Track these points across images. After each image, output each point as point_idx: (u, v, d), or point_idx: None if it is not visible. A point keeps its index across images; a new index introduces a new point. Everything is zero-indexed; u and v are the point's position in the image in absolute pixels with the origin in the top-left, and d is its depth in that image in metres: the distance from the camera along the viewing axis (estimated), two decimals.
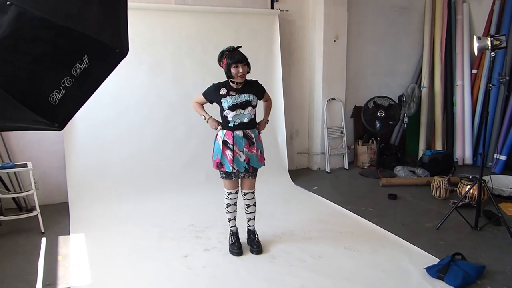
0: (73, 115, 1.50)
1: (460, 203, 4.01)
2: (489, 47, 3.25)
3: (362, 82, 5.91)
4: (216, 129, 3.03)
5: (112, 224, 3.67)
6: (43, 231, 3.49)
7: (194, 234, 3.47)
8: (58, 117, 1.47)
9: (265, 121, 3.15)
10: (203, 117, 3.07)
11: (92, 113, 4.12)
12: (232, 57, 2.82)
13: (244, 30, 4.77)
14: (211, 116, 3.05)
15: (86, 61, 1.40)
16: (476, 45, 3.30)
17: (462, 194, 4.18)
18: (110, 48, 1.49)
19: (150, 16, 4.34)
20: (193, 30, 4.55)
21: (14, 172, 3.78)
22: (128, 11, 1.50)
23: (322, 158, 5.53)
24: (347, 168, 5.60)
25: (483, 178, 3.61)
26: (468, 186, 4.13)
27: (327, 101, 5.39)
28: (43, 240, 3.39)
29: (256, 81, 3.06)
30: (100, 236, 3.43)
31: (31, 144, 4.06)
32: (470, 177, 4.26)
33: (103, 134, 4.24)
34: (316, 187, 4.79)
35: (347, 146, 5.67)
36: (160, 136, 4.49)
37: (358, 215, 3.89)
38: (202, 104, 3.10)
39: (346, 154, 5.64)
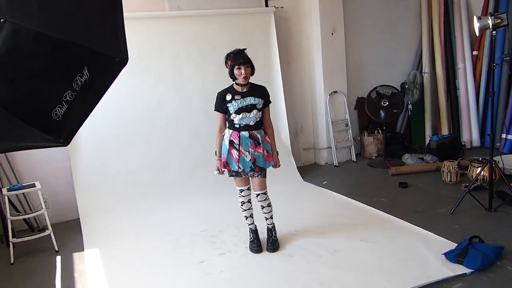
0: (78, 129, 1.49)
1: (472, 185, 3.98)
2: (491, 26, 3.21)
3: (363, 73, 5.88)
4: (215, 172, 3.07)
5: (125, 236, 3.66)
6: (57, 249, 3.49)
7: (208, 239, 3.46)
8: (63, 132, 1.45)
9: (276, 154, 3.10)
10: (215, 153, 3.06)
11: (95, 127, 4.12)
12: (236, 58, 2.85)
13: (240, 31, 4.76)
14: (221, 160, 3.03)
15: (86, 73, 1.38)
16: (477, 25, 3.27)
17: (473, 176, 4.13)
18: (110, 58, 1.48)
19: (145, 24, 4.34)
20: (190, 36, 4.55)
21: (23, 193, 3.78)
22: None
23: (329, 153, 5.50)
24: (355, 160, 5.57)
25: (494, 158, 3.57)
26: (479, 168, 4.08)
27: (329, 95, 5.36)
28: (58, 258, 3.38)
29: (264, 87, 3.07)
30: (114, 250, 3.42)
31: (37, 163, 4.07)
32: (480, 159, 4.21)
33: (109, 147, 4.25)
34: (325, 182, 4.77)
35: (353, 138, 5.63)
36: (165, 144, 4.48)
37: (371, 206, 3.86)
38: (224, 120, 3.04)
39: (352, 147, 5.61)
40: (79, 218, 3.99)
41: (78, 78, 1.36)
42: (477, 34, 3.32)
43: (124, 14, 1.49)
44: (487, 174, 3.98)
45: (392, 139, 5.76)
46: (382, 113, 5.26)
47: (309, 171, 5.27)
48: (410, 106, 5.84)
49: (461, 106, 5.90)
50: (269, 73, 4.91)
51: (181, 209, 4.15)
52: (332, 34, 5.29)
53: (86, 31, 1.36)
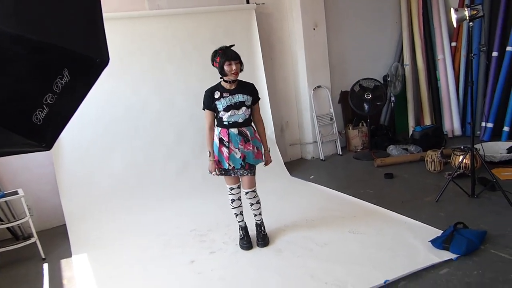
0: (60, 133, 1.47)
1: (455, 173, 4.05)
2: (467, 18, 3.27)
3: (346, 67, 5.92)
4: (210, 172, 3.03)
5: (114, 239, 3.62)
6: (43, 257, 3.43)
7: (198, 239, 3.45)
8: (45, 136, 1.43)
9: (267, 151, 3.10)
10: (208, 153, 3.02)
11: (77, 130, 4.07)
12: (226, 54, 2.82)
13: (222, 29, 4.75)
14: (214, 160, 2.99)
15: (66, 75, 1.37)
16: (454, 16, 3.32)
17: (456, 165, 4.21)
18: (90, 59, 1.46)
19: (125, 25, 4.29)
20: (171, 35, 4.52)
21: (6, 201, 3.70)
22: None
23: (315, 147, 5.53)
24: (340, 153, 5.62)
25: (475, 146, 3.64)
26: (461, 157, 4.16)
27: (313, 90, 5.39)
28: (45, 266, 3.33)
29: (252, 84, 3.06)
30: (103, 254, 3.39)
31: (19, 170, 3.99)
32: (462, 147, 4.30)
33: (92, 150, 4.20)
34: (312, 176, 4.80)
35: (338, 131, 5.68)
36: (150, 145, 4.45)
37: (358, 198, 3.91)
38: (213, 118, 3.00)
39: (338, 140, 5.65)
40: (65, 224, 3.93)
41: (59, 81, 1.35)
42: (455, 25, 3.37)
43: (103, 14, 1.47)
44: (469, 162, 4.08)
45: (377, 131, 5.82)
46: (366, 106, 5.31)
47: (296, 166, 5.29)
48: (393, 98, 5.91)
49: (442, 97, 6.01)
50: (253, 70, 4.91)
51: (170, 209, 4.13)
52: (314, 29, 5.31)
53: (65, 32, 1.34)
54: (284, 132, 5.56)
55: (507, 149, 4.46)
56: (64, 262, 3.35)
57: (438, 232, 2.99)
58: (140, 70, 4.39)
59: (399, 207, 3.58)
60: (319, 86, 5.46)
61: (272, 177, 4.63)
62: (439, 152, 4.35)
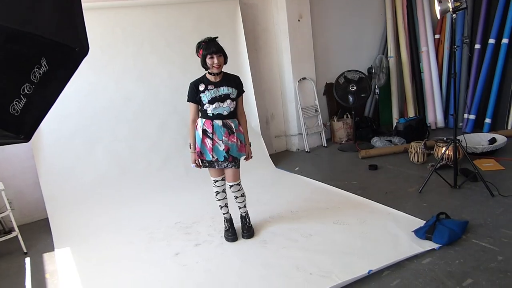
0: (39, 124, 1.43)
1: (438, 165, 4.11)
2: (451, 9, 3.29)
3: (330, 59, 5.93)
4: (192, 165, 3.00)
5: (97, 233, 3.58)
6: (25, 251, 3.37)
7: (183, 231, 3.43)
8: (23, 128, 1.39)
9: (249, 144, 3.07)
10: (189, 145, 2.99)
11: (58, 123, 4.00)
12: (208, 48, 2.79)
13: (206, 19, 4.69)
14: (196, 152, 2.97)
15: (44, 65, 1.33)
16: (437, 8, 3.34)
17: (439, 156, 4.28)
18: (69, 48, 1.42)
19: (106, 15, 4.20)
20: (154, 25, 4.44)
21: None
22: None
23: (300, 139, 5.54)
24: (325, 145, 5.64)
25: (457, 138, 3.69)
26: (444, 148, 4.22)
27: (298, 81, 5.39)
28: (27, 260, 3.27)
29: (237, 76, 3.03)
30: (86, 247, 3.34)
31: (0, 163, 3.90)
32: (445, 138, 4.36)
33: (74, 143, 4.12)
34: (297, 168, 4.81)
35: (323, 123, 5.70)
36: (133, 137, 4.39)
37: (343, 190, 3.93)
38: (197, 111, 2.96)
39: (323, 132, 5.68)
40: (47, 218, 3.87)
41: (36, 70, 1.31)
42: (438, 17, 3.40)
43: (83, 4, 1.43)
44: (451, 153, 4.14)
45: (361, 123, 5.86)
46: (351, 98, 5.33)
47: (281, 158, 5.30)
48: (377, 91, 5.95)
49: (426, 89, 6.07)
50: (237, 62, 4.87)
51: (154, 202, 4.09)
52: (299, 20, 5.29)
53: (42, 21, 1.30)
54: (269, 124, 5.55)
55: (488, 141, 4.54)
56: (46, 256, 3.30)
57: (421, 223, 3.03)
58: (123, 61, 4.31)
59: (383, 198, 3.62)
60: (304, 78, 5.45)
61: (257, 169, 4.63)
62: (422, 144, 4.41)
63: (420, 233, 2.81)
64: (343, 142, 5.68)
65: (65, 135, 4.09)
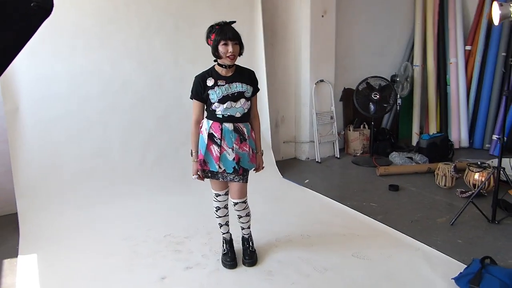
0: None
1: (469, 192, 3.63)
2: None
3: (351, 62, 5.41)
4: (193, 176, 2.47)
5: (72, 238, 3.05)
6: None
7: (172, 247, 2.91)
8: None
9: (261, 153, 2.56)
10: (190, 152, 2.47)
11: (42, 106, 3.48)
12: (222, 32, 2.24)
13: (222, 4, 4.17)
14: (198, 161, 2.44)
15: None
16: (497, 12, 2.82)
17: (470, 182, 3.77)
18: (18, 2, 0.90)
19: None
20: (163, 4, 3.91)
21: None
22: None
23: (311, 147, 5.02)
24: (338, 156, 5.13)
25: (490, 163, 3.19)
26: (477, 174, 3.72)
27: (315, 84, 4.86)
28: None
29: (252, 71, 2.49)
30: (56, 256, 2.81)
31: None
32: (479, 162, 3.84)
33: (58, 130, 3.59)
34: (307, 180, 4.29)
35: (338, 132, 5.18)
36: (127, 130, 3.87)
37: (361, 212, 3.42)
38: (202, 111, 2.45)
39: (336, 142, 5.16)
40: (16, 213, 3.34)
41: None
42: (496, 23, 2.88)
43: None
44: (483, 179, 3.64)
45: (378, 135, 5.36)
46: (372, 107, 4.82)
47: (288, 166, 4.78)
48: (399, 101, 5.43)
49: (451, 104, 5.56)
50: (252, 56, 4.35)
51: (142, 207, 3.57)
52: (322, 16, 4.77)
53: None
54: (278, 127, 5.03)
55: None
56: (7, 263, 2.76)
57: (458, 265, 2.53)
58: (124, 42, 3.78)
59: (409, 228, 3.11)
60: (321, 80, 4.93)
61: (261, 177, 4.02)
62: (452, 167, 3.89)
63: (463, 282, 2.30)
64: (357, 154, 5.16)
65: (49, 119, 3.56)
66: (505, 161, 4.13)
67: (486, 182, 3.49)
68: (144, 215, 3.44)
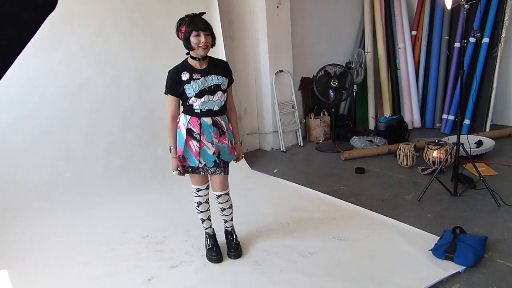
0: None
1: (430, 169, 3.86)
2: (464, 0, 2.96)
3: (307, 51, 5.52)
4: (173, 173, 2.42)
5: (43, 251, 2.89)
6: None
7: (153, 248, 2.85)
8: None
9: (239, 143, 2.57)
10: (169, 149, 2.41)
11: None
12: (193, 23, 2.22)
13: None
14: (177, 157, 2.39)
15: None
16: None
17: (430, 159, 4.00)
18: None
19: None
20: (118, 0, 3.76)
21: None
22: None
23: (275, 137, 5.08)
24: (301, 144, 5.23)
25: (448, 140, 3.41)
26: (435, 151, 3.96)
27: (275, 74, 4.91)
28: None
29: (226, 62, 2.49)
30: (29, 270, 2.66)
31: None
32: (436, 141, 4.08)
33: (15, 136, 3.38)
34: (276, 170, 4.35)
35: (299, 121, 5.28)
36: (89, 132, 3.71)
37: (333, 196, 3.52)
38: (178, 106, 2.39)
39: (299, 130, 5.26)
40: None
41: None
42: (448, 7, 3.07)
43: None
44: (442, 157, 3.88)
45: (337, 121, 5.51)
46: (332, 94, 4.95)
47: (255, 158, 4.81)
48: (355, 87, 5.61)
49: (402, 87, 5.83)
50: (211, 50, 4.30)
51: (114, 210, 3.45)
52: (277, 7, 4.81)
53: None
54: (242, 120, 5.03)
55: (475, 143, 4.33)
56: None
57: (431, 237, 2.69)
58: (79, 40, 3.61)
59: (380, 207, 3.26)
60: (281, 71, 4.99)
61: (231, 171, 4.02)
62: (412, 146, 4.10)
63: (439, 252, 2.45)
64: (320, 141, 5.30)
65: (5, 125, 3.33)
66: (463, 138, 4.44)
67: (446, 158, 3.72)
68: (116, 218, 3.32)
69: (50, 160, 3.52)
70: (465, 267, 2.34)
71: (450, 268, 2.35)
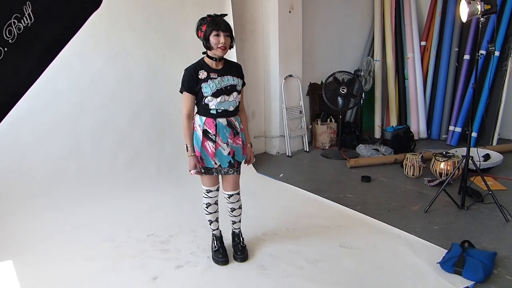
0: (15, 103, 0.87)
1: (436, 181, 3.85)
2: (479, 12, 2.96)
3: (316, 57, 5.53)
4: (191, 171, 2.40)
5: (48, 243, 2.89)
6: None
7: (158, 247, 2.84)
8: None
9: (250, 145, 2.57)
10: (185, 147, 2.40)
11: None
12: (214, 23, 2.24)
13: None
14: (194, 155, 2.38)
15: (28, 16, 0.74)
16: (465, 10, 2.99)
17: (437, 171, 4.00)
18: None
19: None
20: None
21: None
22: None
23: (281, 141, 5.08)
24: (307, 150, 5.22)
25: (455, 152, 3.40)
26: (443, 163, 3.95)
27: (284, 79, 4.91)
28: None
29: (239, 64, 2.51)
30: (35, 261, 2.66)
31: None
32: (444, 152, 4.08)
33: (25, 129, 3.39)
34: (282, 174, 4.34)
35: (306, 126, 5.27)
36: (99, 127, 3.72)
37: (339, 204, 3.52)
38: (194, 104, 2.39)
39: (305, 135, 5.25)
40: None
41: (14, 23, 0.72)
42: (464, 19, 3.06)
43: None
44: (450, 169, 3.87)
45: (344, 129, 5.51)
46: (340, 101, 4.95)
47: (260, 161, 4.80)
48: (363, 95, 5.61)
49: (409, 97, 5.84)
50: None
51: (119, 207, 3.45)
52: (290, 12, 4.82)
53: None
54: (249, 122, 4.98)
55: (482, 157, 4.32)
56: None
57: (438, 249, 2.69)
58: (93, 36, 3.61)
59: (387, 216, 3.25)
60: (290, 75, 4.99)
61: None
62: (419, 157, 4.10)
63: (447, 265, 2.44)
64: (326, 147, 5.29)
65: (12, 120, 3.32)
66: (473, 150, 4.43)
67: (450, 170, 3.72)
68: (122, 215, 3.32)
69: (58, 154, 3.52)
70: (474, 282, 2.34)
71: (458, 282, 2.34)
